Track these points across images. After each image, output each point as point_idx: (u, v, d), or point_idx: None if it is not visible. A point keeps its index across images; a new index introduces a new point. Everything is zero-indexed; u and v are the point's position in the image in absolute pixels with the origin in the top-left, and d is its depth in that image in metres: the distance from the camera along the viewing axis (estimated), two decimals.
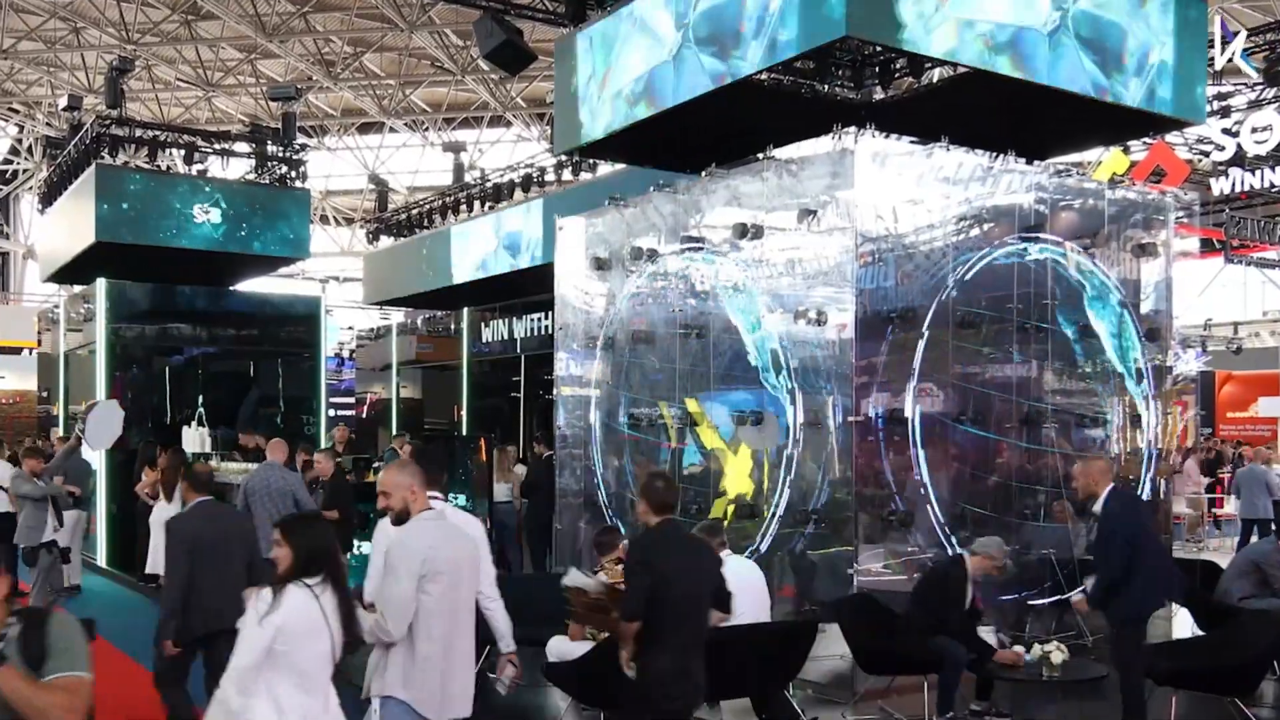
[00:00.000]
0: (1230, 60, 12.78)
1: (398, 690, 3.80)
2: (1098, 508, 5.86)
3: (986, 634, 6.45)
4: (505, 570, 10.40)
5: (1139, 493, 8.34)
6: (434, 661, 3.82)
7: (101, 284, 14.14)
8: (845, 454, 7.06)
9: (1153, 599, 5.90)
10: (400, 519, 3.99)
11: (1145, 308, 8.54)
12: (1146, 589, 5.75)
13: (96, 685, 2.77)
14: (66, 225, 15.35)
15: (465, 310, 16.92)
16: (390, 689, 3.80)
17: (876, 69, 8.31)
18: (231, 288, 16.78)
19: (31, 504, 8.99)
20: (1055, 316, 7.97)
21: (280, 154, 15.26)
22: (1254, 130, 13.42)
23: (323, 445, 12.14)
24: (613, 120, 8.37)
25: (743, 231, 7.67)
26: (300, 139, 16.20)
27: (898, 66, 8.22)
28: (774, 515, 7.54)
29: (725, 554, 6.38)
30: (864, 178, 7.07)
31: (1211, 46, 11.91)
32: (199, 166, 14.76)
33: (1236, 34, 13.11)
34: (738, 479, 8.01)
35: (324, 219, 35.99)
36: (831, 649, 6.85)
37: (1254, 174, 13.84)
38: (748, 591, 6.23)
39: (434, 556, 3.80)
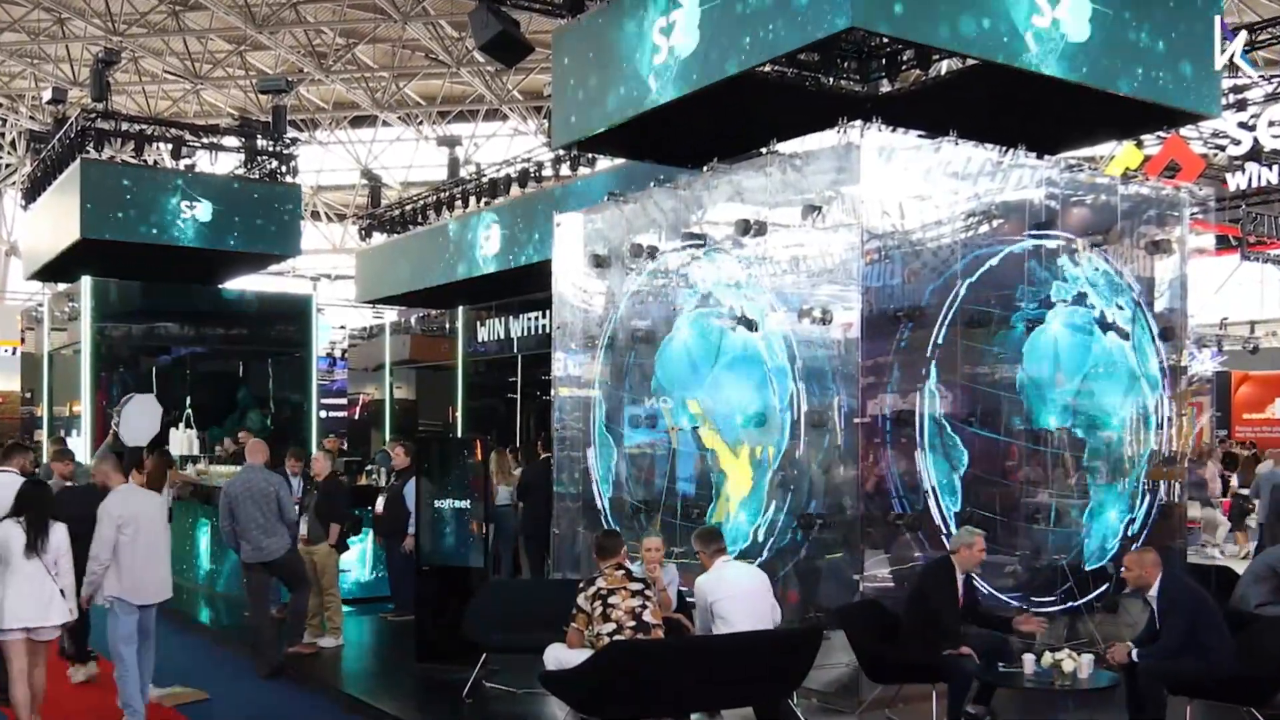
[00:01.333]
0: (1231, 60, 12.59)
1: (115, 590, 6.21)
2: (1152, 594, 6.05)
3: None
4: (500, 574, 10.22)
5: (1153, 497, 8.23)
6: (131, 570, 6.23)
7: (86, 282, 13.96)
8: (850, 456, 6.89)
9: (1204, 673, 5.91)
10: (105, 490, 6.46)
11: (1159, 306, 8.40)
12: (1200, 663, 5.86)
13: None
14: (50, 221, 15.13)
15: (460, 309, 16.69)
16: (111, 591, 6.21)
17: (883, 61, 8.14)
18: (220, 286, 16.58)
19: None
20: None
21: (270, 148, 15.08)
22: (1271, 124, 13.17)
23: (314, 448, 11.96)
24: (612, 114, 8.18)
25: (745, 228, 7.52)
26: (291, 133, 16.02)
27: (905, 58, 8.05)
28: (777, 519, 7.37)
29: (724, 560, 6.23)
30: (870, 173, 6.91)
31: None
32: (187, 161, 14.58)
33: (1237, 33, 12.93)
34: (739, 481, 7.84)
35: (315, 215, 35.77)
36: (836, 656, 6.70)
37: (1271, 169, 13.65)
38: (750, 597, 6.08)
39: (124, 512, 6.25)
